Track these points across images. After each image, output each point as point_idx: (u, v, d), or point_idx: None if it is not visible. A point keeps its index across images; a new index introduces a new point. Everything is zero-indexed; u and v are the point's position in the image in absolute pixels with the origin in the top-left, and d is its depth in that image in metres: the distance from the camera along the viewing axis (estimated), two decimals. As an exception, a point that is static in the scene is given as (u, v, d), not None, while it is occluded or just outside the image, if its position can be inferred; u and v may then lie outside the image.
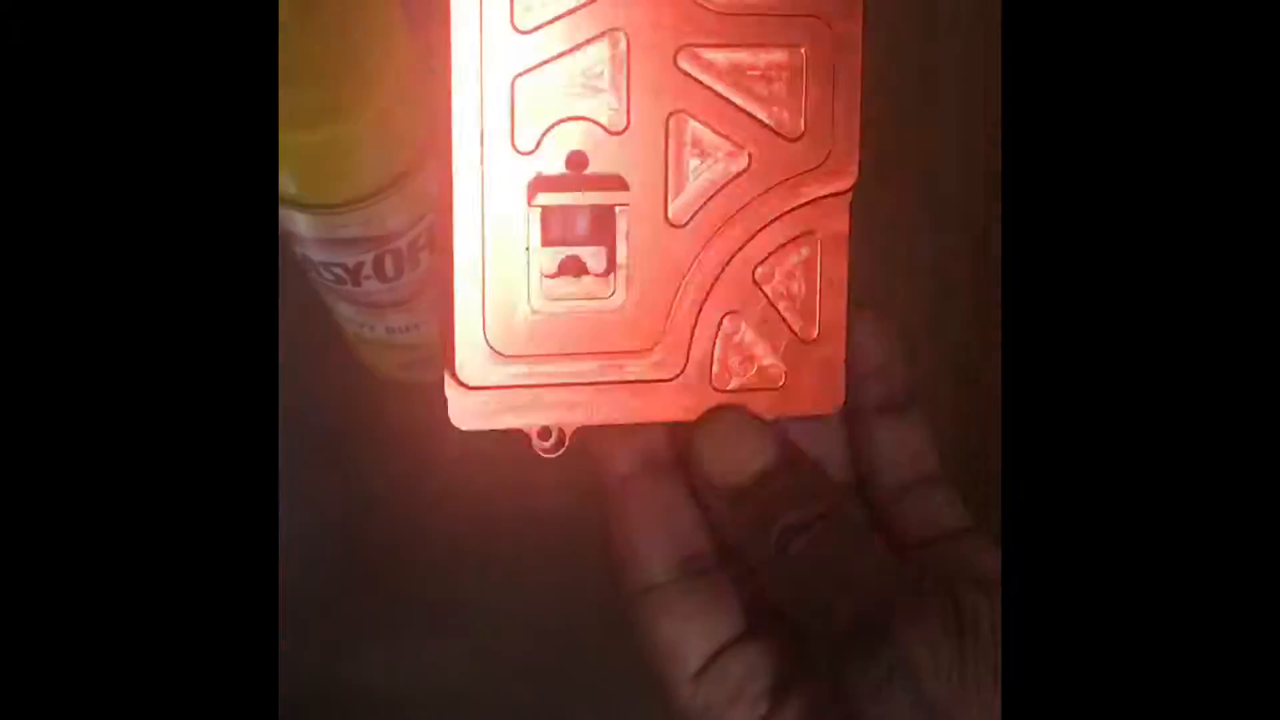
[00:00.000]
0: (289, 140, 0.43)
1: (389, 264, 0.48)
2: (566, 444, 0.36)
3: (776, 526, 0.34)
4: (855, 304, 0.36)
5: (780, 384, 0.36)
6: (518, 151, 0.34)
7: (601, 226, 0.35)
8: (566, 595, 0.54)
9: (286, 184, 0.45)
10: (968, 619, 0.32)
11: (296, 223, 0.47)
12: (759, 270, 0.35)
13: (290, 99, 0.43)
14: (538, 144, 0.34)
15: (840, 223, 0.36)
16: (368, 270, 0.48)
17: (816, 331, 0.36)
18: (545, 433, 0.36)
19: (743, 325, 0.36)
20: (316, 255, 0.48)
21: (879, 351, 0.37)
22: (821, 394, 0.36)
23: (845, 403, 0.37)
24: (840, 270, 0.36)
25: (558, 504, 0.55)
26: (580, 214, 0.35)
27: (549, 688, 0.53)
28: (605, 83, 0.34)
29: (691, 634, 0.36)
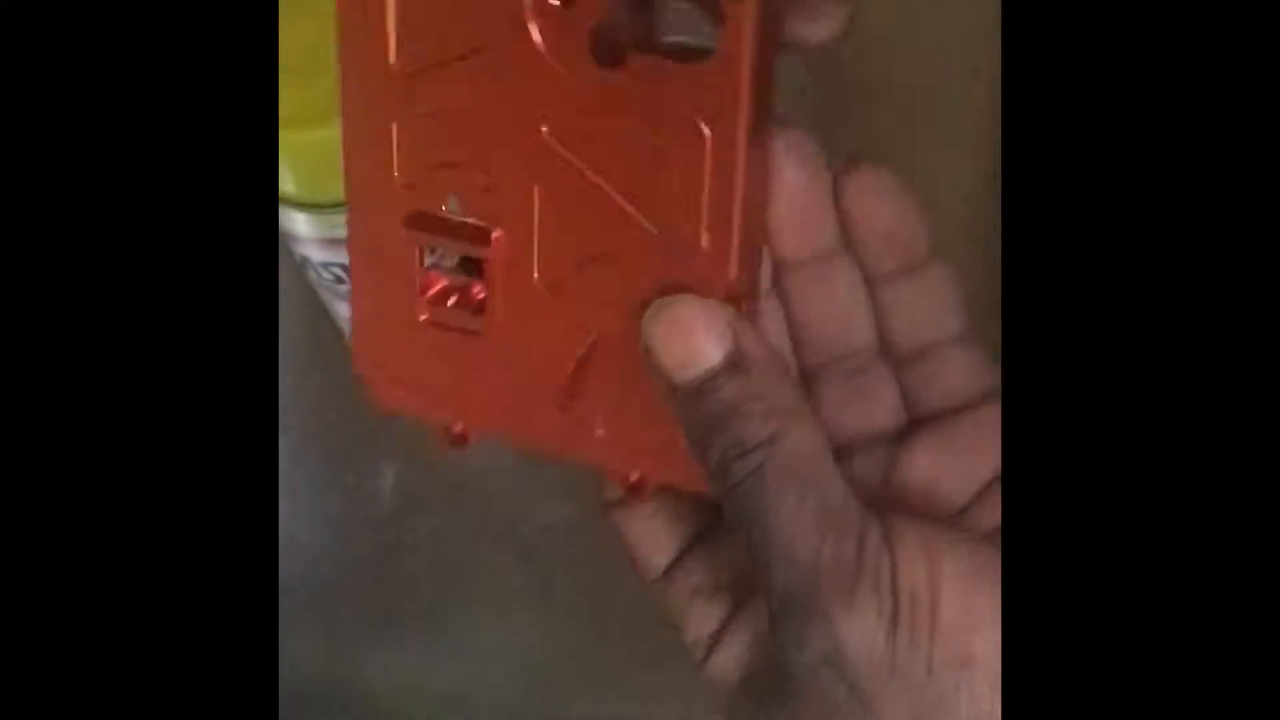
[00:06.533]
0: (289, 140, 0.43)
1: (389, 264, 0.48)
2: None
3: (718, 443, 0.32)
4: (850, 158, 0.34)
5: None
6: (399, 187, 0.34)
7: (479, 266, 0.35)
8: (565, 596, 0.54)
9: (286, 184, 0.45)
10: (905, 608, 0.30)
11: (296, 223, 0.47)
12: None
13: (290, 99, 0.43)
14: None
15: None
16: (367, 270, 0.48)
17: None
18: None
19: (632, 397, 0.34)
20: (316, 255, 0.48)
21: (882, 210, 0.34)
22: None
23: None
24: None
25: (557, 505, 0.55)
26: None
27: (548, 688, 0.53)
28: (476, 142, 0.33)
29: (656, 535, 0.36)
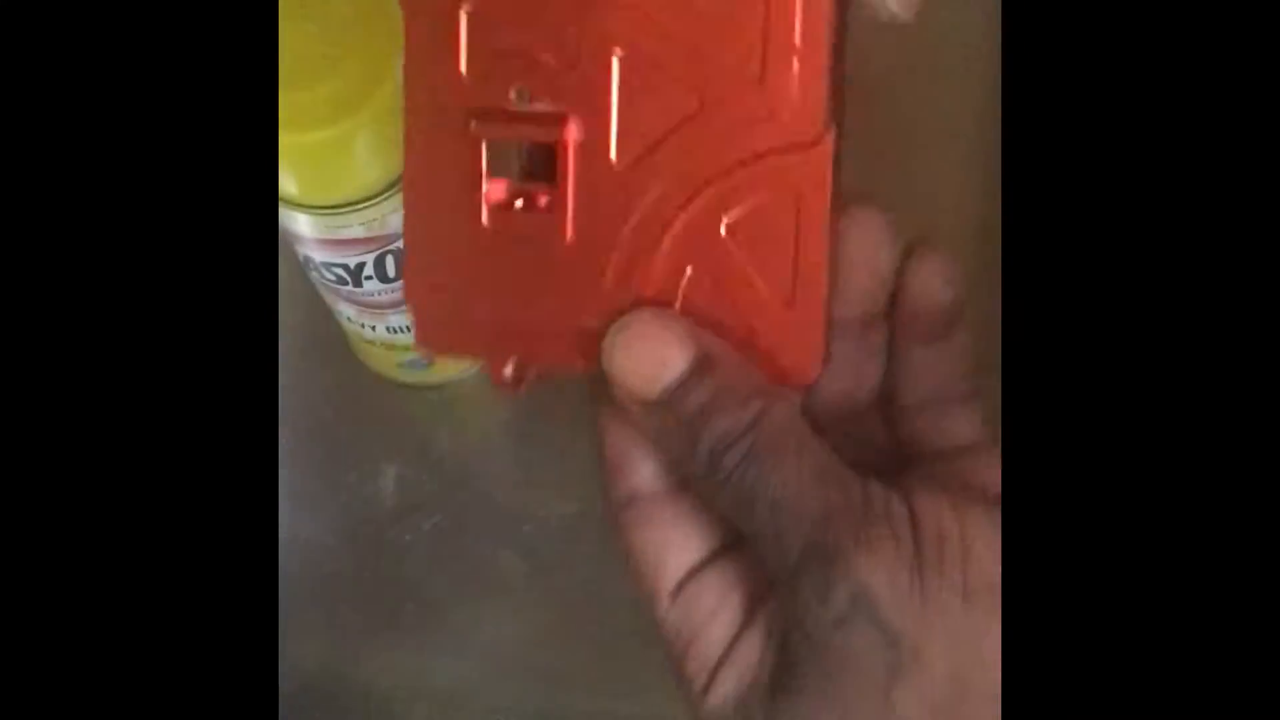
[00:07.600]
0: (289, 140, 0.43)
1: (389, 264, 0.48)
2: (525, 383, 0.34)
3: (704, 442, 0.32)
4: (916, 242, 0.34)
5: (750, 347, 0.33)
6: (464, 82, 0.33)
7: (546, 163, 0.33)
8: (567, 596, 0.54)
9: (287, 184, 0.45)
10: (929, 543, 0.31)
11: (297, 223, 0.47)
12: (726, 222, 0.33)
13: (290, 99, 0.43)
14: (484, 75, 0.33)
15: (819, 179, 0.32)
16: (368, 270, 0.48)
17: (792, 294, 0.33)
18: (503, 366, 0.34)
19: (705, 280, 0.33)
20: (317, 255, 0.48)
21: (939, 295, 0.35)
22: (796, 362, 0.33)
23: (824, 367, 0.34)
24: (817, 231, 0.33)
25: (557, 505, 0.55)
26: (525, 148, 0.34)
27: (548, 688, 0.53)
28: (550, 15, 0.32)
29: (671, 547, 0.35)
